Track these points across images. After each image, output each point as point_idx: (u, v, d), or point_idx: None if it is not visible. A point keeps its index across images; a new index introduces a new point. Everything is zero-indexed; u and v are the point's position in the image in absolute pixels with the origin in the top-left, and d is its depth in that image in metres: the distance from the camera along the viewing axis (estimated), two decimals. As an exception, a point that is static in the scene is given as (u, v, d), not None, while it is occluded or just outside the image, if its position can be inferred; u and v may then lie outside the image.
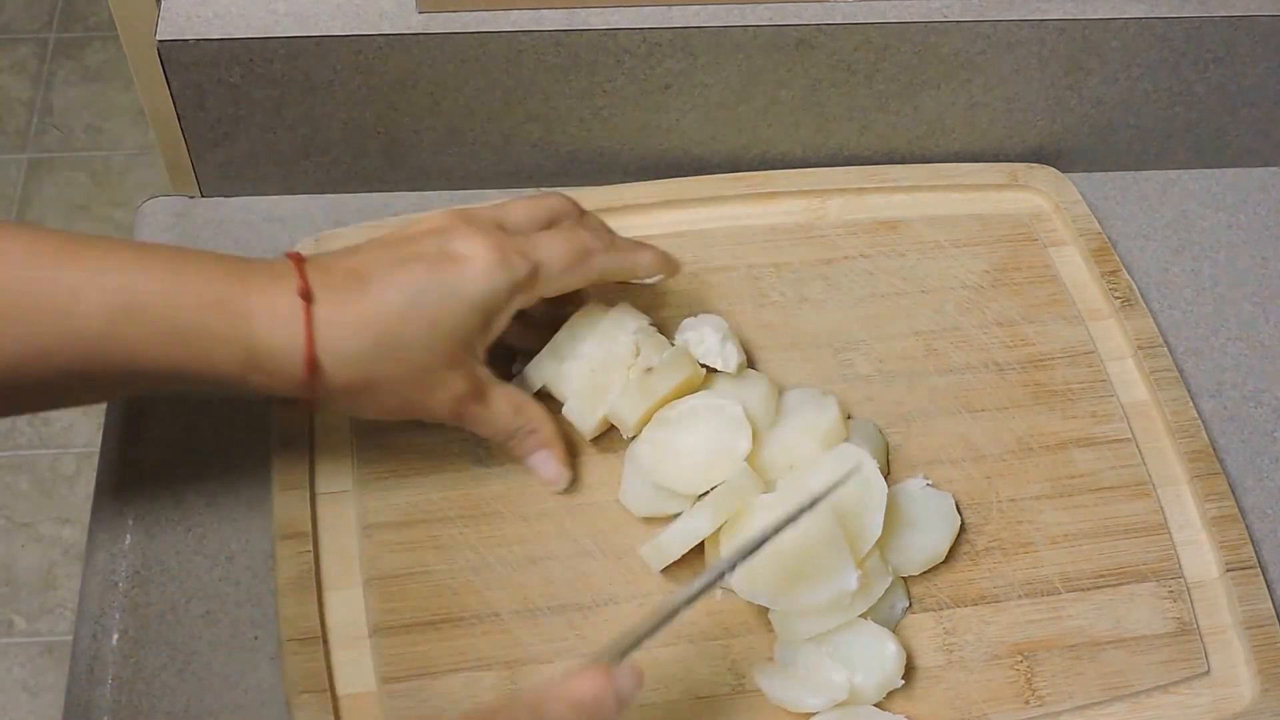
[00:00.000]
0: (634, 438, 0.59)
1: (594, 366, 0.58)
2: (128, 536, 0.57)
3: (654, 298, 0.65)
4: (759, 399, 0.59)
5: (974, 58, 0.71)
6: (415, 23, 0.66)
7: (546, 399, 0.59)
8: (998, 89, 0.73)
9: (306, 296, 0.49)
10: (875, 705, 0.53)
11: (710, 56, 0.68)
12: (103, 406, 0.61)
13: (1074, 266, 0.70)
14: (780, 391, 0.61)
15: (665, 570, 0.56)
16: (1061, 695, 0.55)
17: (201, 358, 0.48)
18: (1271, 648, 0.57)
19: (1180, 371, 0.66)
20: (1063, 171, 0.74)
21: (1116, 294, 0.68)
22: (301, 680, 0.52)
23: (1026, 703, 0.55)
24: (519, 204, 0.57)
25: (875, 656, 0.53)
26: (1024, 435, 0.63)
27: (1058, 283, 0.69)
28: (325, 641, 0.54)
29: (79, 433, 1.57)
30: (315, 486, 0.58)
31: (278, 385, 0.50)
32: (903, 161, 0.75)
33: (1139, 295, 0.69)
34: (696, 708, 0.53)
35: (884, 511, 0.55)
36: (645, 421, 0.58)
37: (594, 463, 0.60)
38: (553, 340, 0.59)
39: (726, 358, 0.60)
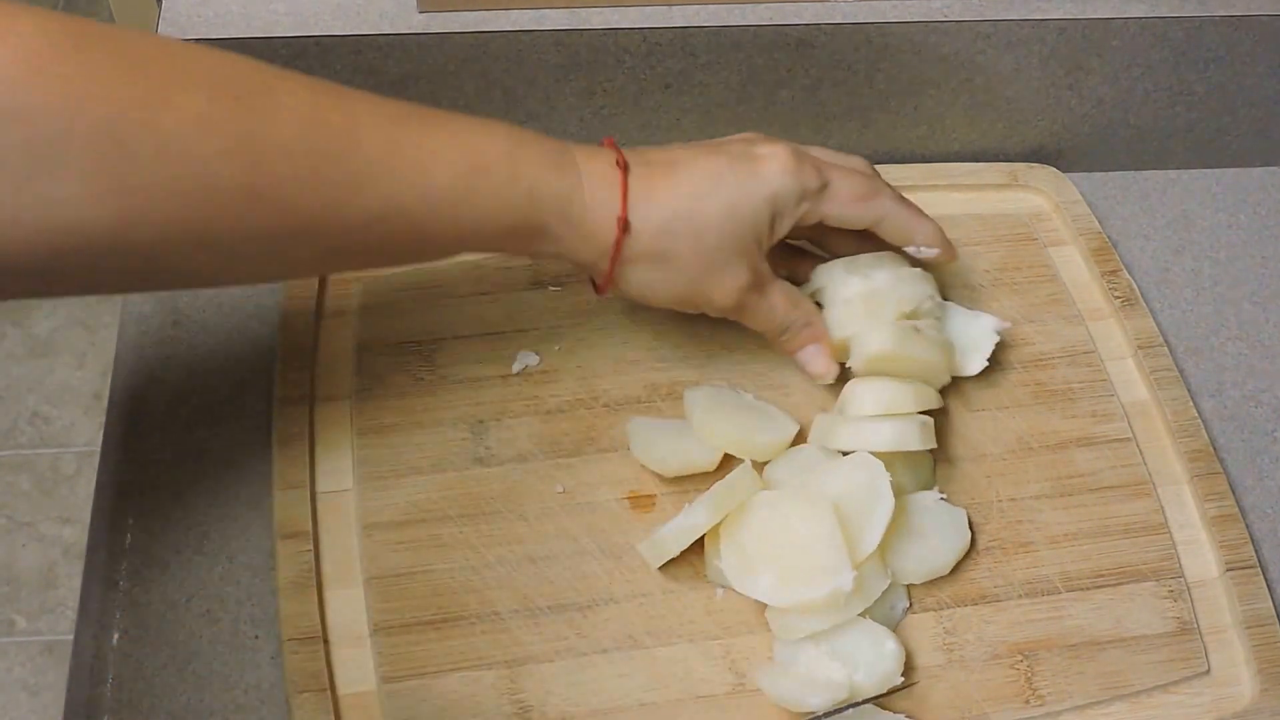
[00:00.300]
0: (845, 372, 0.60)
1: (875, 290, 0.60)
2: (128, 536, 0.57)
3: None
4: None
5: (974, 58, 0.71)
6: (415, 23, 0.66)
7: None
8: (998, 89, 0.73)
9: (623, 167, 0.55)
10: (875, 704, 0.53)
11: (710, 56, 0.68)
12: (103, 406, 0.61)
13: (1074, 266, 0.70)
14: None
15: (663, 567, 0.56)
16: (1061, 694, 0.55)
17: (538, 214, 0.53)
18: (1271, 647, 0.57)
19: (1180, 371, 0.66)
20: (1063, 171, 0.74)
21: (1116, 294, 0.68)
22: (301, 680, 0.52)
23: (1027, 702, 0.55)
24: (820, 148, 0.61)
25: (875, 655, 0.53)
26: (1024, 435, 0.63)
27: (1058, 282, 0.69)
28: (325, 641, 0.54)
29: (79, 432, 1.57)
30: (315, 486, 0.58)
31: (588, 249, 0.55)
32: (903, 161, 0.75)
33: (1139, 295, 0.69)
34: (696, 708, 0.53)
35: (885, 528, 0.54)
36: (873, 364, 0.58)
37: (594, 462, 0.60)
38: (855, 256, 0.61)
39: (973, 360, 0.62)
